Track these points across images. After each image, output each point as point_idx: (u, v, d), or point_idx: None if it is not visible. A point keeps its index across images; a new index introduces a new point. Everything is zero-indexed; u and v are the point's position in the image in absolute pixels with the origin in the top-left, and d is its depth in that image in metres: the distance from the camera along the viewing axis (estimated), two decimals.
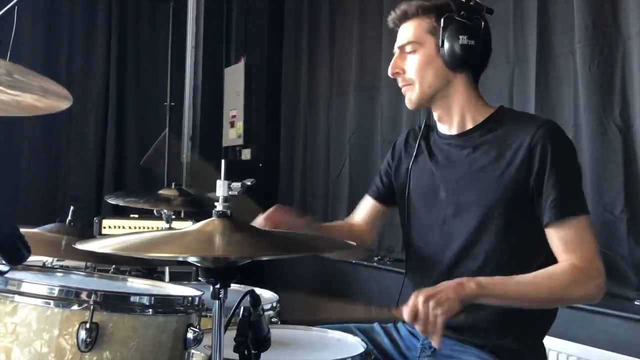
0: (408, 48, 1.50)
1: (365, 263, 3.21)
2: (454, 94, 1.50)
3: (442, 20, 1.45)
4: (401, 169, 1.64)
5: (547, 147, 1.38)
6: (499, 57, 2.63)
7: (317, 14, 4.04)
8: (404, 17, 1.51)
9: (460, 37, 1.43)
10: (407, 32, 1.50)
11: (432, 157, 1.56)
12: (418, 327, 1.28)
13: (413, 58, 1.49)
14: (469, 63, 1.47)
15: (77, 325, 1.20)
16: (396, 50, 1.53)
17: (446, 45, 1.44)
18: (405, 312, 1.28)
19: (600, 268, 1.37)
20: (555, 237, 1.38)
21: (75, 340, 1.19)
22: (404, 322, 1.41)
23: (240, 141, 4.43)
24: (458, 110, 1.50)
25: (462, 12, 1.45)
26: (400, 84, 1.53)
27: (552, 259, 1.39)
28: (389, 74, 1.53)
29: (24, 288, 1.23)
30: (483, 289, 1.30)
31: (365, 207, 1.73)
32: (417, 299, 1.28)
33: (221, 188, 1.14)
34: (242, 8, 4.68)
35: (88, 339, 1.19)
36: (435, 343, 1.27)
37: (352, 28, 3.66)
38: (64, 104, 1.16)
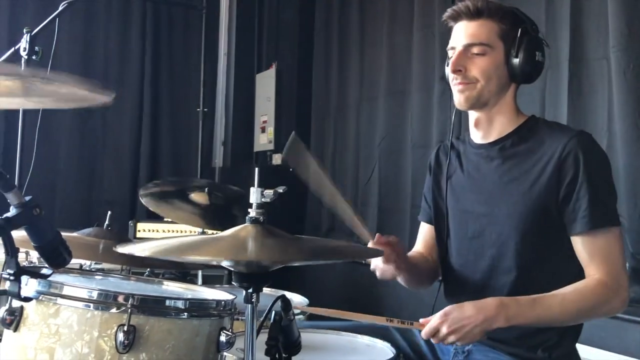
0: (476, 49, 1.43)
1: None
2: (501, 102, 1.48)
3: (519, 30, 1.42)
4: (438, 186, 1.62)
5: (579, 158, 1.36)
6: None
7: (347, 20, 4.06)
8: (477, 14, 1.43)
9: (537, 53, 1.42)
10: (477, 31, 1.43)
11: (463, 170, 1.56)
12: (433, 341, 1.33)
13: (481, 60, 1.43)
14: (532, 78, 1.47)
15: (116, 328, 1.24)
16: (458, 47, 1.45)
17: (520, 57, 1.41)
18: (425, 331, 1.31)
19: (625, 282, 1.37)
20: (582, 247, 1.37)
21: (114, 342, 1.24)
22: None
23: (271, 146, 4.46)
24: (498, 117, 1.49)
25: (534, 27, 1.44)
26: (457, 81, 1.45)
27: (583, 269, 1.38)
28: (451, 69, 1.44)
29: (66, 291, 1.28)
30: (510, 322, 1.30)
31: (423, 234, 1.70)
32: (441, 325, 1.29)
33: (254, 194, 1.18)
34: (273, 15, 4.73)
35: (126, 341, 1.23)
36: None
37: (382, 33, 3.66)
38: (104, 96, 1.17)
